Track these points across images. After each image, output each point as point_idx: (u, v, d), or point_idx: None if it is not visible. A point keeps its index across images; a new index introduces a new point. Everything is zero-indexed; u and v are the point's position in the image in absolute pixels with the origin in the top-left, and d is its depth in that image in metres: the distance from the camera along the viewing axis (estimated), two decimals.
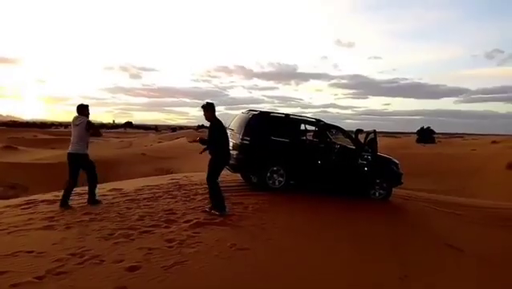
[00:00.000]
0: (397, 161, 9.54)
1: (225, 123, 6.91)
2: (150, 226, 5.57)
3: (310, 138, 9.52)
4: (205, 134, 7.00)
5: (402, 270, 5.10)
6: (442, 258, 5.87)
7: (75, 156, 6.73)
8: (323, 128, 9.12)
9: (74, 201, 6.86)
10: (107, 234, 5.11)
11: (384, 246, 5.99)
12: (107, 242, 4.86)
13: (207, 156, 6.63)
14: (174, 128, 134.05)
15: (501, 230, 8.15)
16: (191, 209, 6.69)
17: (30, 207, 6.62)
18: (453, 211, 9.30)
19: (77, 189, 7.17)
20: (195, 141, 7.75)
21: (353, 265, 5.09)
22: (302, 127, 9.27)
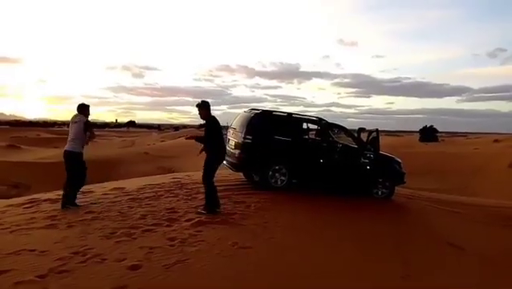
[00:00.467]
0: (400, 160, 9.52)
1: (227, 122, 6.93)
2: (152, 225, 5.58)
3: (313, 137, 9.51)
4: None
5: (404, 269, 5.09)
6: (444, 256, 5.85)
7: (70, 153, 6.64)
8: (325, 127, 9.10)
9: (76, 199, 6.86)
10: (109, 233, 5.13)
11: (386, 245, 5.98)
12: (109, 240, 4.88)
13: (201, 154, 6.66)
14: (177, 127, 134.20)
15: (503, 229, 8.12)
16: (193, 207, 6.69)
17: (32, 206, 6.65)
18: (455, 210, 9.27)
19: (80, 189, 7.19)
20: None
21: (356, 264, 5.08)
22: (305, 126, 9.26)
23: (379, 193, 9.02)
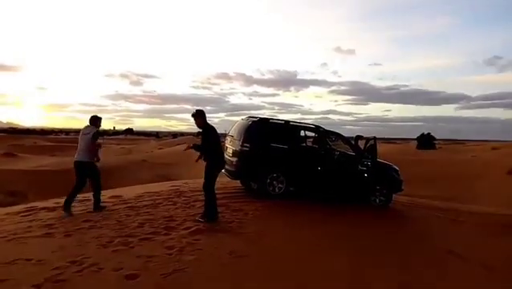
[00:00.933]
0: (397, 168, 9.54)
1: (225, 129, 6.93)
2: (150, 234, 5.56)
3: (310, 144, 9.53)
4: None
5: (403, 277, 5.08)
6: (443, 265, 5.84)
7: (81, 164, 6.87)
8: (323, 135, 9.13)
9: (75, 208, 6.86)
10: (106, 242, 5.10)
11: (384, 253, 5.97)
12: (106, 249, 4.85)
13: (200, 161, 6.66)
14: (175, 135, 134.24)
15: (503, 237, 8.11)
16: (191, 215, 6.67)
17: (29, 214, 6.62)
18: (454, 218, 9.28)
19: (79, 197, 7.19)
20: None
21: (353, 272, 5.06)
22: (302, 133, 9.28)
23: (377, 200, 9.03)
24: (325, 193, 8.99)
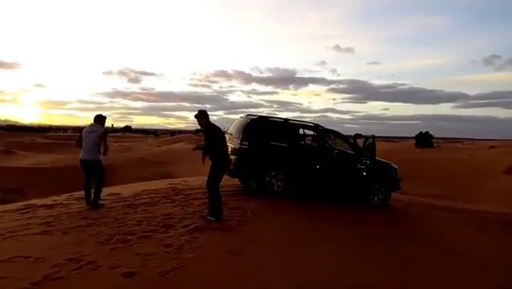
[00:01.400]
0: (396, 166, 9.55)
1: (224, 127, 6.90)
2: (148, 231, 5.54)
3: (309, 143, 9.52)
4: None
5: (401, 275, 5.09)
6: (441, 262, 5.85)
7: (89, 162, 6.90)
8: (322, 133, 9.13)
9: (72, 205, 6.84)
10: (104, 240, 5.09)
11: (383, 251, 5.98)
12: (104, 247, 4.84)
13: (207, 162, 6.62)
14: (173, 132, 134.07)
15: (500, 235, 8.15)
16: (189, 213, 6.66)
17: (28, 212, 6.60)
18: (452, 216, 9.31)
19: (76, 194, 7.16)
20: (197, 148, 7.83)
21: (353, 269, 5.07)
22: (301, 131, 9.28)
23: (376, 199, 9.04)
24: (324, 191, 9.00)
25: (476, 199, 20.41)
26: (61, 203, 7.22)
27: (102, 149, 7.04)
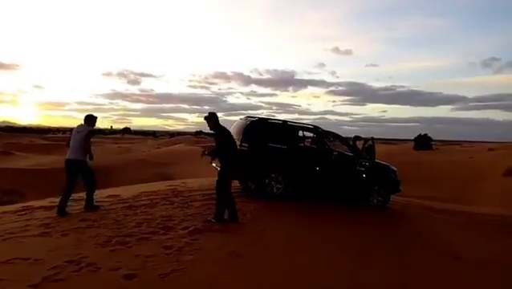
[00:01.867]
0: (395, 168, 9.56)
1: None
2: (147, 233, 5.53)
3: (308, 145, 9.53)
4: (209, 141, 7.00)
5: (401, 278, 5.08)
6: (440, 264, 5.85)
7: (74, 162, 6.71)
8: (321, 135, 9.14)
9: (71, 207, 6.82)
10: (103, 241, 5.07)
11: (383, 254, 5.97)
12: (103, 249, 4.83)
13: (205, 162, 6.62)
14: (172, 134, 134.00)
15: (499, 237, 8.15)
16: (189, 215, 6.66)
17: (26, 213, 6.58)
18: (451, 218, 9.31)
19: (74, 196, 7.13)
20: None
21: (353, 272, 5.05)
22: (300, 133, 9.28)
23: (375, 201, 9.04)
24: (323, 193, 8.99)
25: (475, 201, 20.42)
26: (57, 211, 7.16)
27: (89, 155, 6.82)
